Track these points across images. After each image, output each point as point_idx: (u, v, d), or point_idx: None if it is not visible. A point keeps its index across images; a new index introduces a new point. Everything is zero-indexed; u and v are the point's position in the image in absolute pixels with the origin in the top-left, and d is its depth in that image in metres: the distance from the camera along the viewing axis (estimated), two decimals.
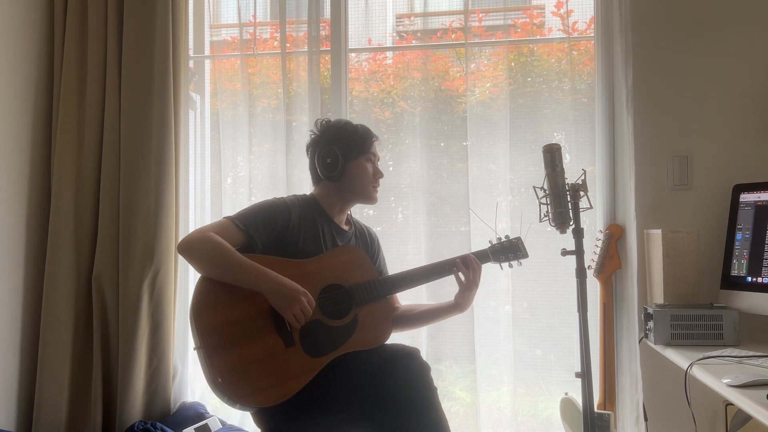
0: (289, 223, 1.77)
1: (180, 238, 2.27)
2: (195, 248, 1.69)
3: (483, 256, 1.91)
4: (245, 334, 1.64)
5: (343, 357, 1.71)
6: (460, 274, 1.85)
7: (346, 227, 1.92)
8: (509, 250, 1.92)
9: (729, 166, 2.08)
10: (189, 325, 1.70)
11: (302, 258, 1.75)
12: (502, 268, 1.95)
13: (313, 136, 1.92)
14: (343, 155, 1.83)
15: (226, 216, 1.77)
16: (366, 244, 1.97)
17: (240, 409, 1.68)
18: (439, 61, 2.41)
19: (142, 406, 2.20)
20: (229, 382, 1.59)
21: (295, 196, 1.89)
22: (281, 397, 1.62)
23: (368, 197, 1.90)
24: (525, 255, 1.93)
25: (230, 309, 1.65)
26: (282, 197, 1.86)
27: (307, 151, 1.93)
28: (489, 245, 1.94)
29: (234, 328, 1.64)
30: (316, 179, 1.91)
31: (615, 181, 2.14)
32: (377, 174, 1.90)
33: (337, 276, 1.77)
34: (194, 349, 1.66)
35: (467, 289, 1.85)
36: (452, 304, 1.88)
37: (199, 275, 1.70)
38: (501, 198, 2.24)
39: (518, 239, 1.94)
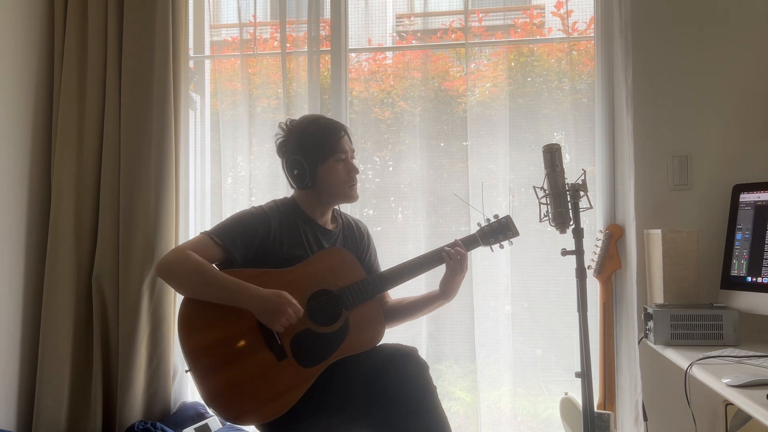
0: (269, 233, 1.73)
1: (180, 239, 2.27)
2: (174, 270, 1.66)
3: (472, 242, 1.86)
4: (236, 351, 1.62)
5: (342, 360, 1.69)
6: (451, 260, 1.81)
7: (331, 226, 1.89)
8: (498, 231, 1.86)
9: (729, 166, 2.08)
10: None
11: (289, 265, 1.72)
12: (492, 251, 1.89)
13: (280, 140, 1.85)
14: (310, 163, 1.76)
15: (203, 231, 1.74)
16: (355, 239, 1.93)
17: (238, 425, 1.66)
18: (439, 61, 2.41)
19: (142, 406, 2.20)
20: (225, 404, 1.57)
21: (275, 202, 1.85)
22: (278, 411, 1.61)
23: (346, 197, 1.84)
24: (516, 233, 1.87)
25: (217, 328, 1.63)
26: (261, 206, 1.81)
27: (278, 155, 1.87)
28: (477, 228, 1.89)
29: (224, 348, 1.61)
30: (291, 185, 1.86)
31: (615, 181, 2.14)
32: (351, 171, 1.82)
33: (323, 281, 1.74)
34: (186, 371, 1.64)
35: (453, 274, 1.80)
36: (438, 292, 1.84)
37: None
38: (501, 198, 2.24)
39: (507, 217, 1.87)
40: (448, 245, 1.83)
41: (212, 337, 1.62)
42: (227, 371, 1.60)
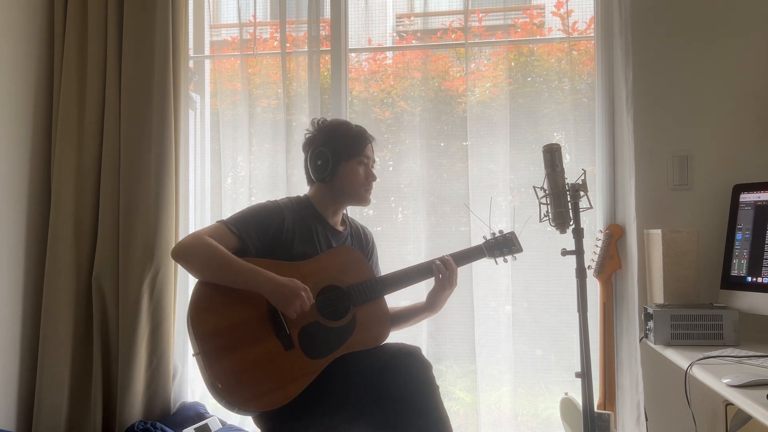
0: (282, 227, 1.76)
1: (180, 238, 2.27)
2: (190, 253, 1.68)
3: (477, 252, 1.90)
4: (244, 338, 1.63)
5: (345, 357, 1.71)
6: (440, 274, 1.83)
7: (341, 228, 1.92)
8: (503, 245, 1.91)
9: (729, 166, 2.08)
10: (187, 329, 1.69)
11: (297, 260, 1.74)
12: (497, 263, 1.93)
13: (308, 136, 1.91)
14: (334, 157, 1.82)
15: (219, 220, 1.77)
16: (361, 243, 1.97)
17: (240, 413, 1.67)
18: (439, 61, 2.41)
19: (142, 406, 2.20)
20: (229, 388, 1.58)
21: (288, 198, 1.89)
22: (282, 401, 1.61)
23: (360, 199, 1.89)
24: (519, 249, 1.92)
25: (228, 313, 1.65)
26: (275, 200, 1.85)
27: (303, 150, 1.93)
28: (483, 241, 1.93)
29: (232, 333, 1.63)
30: (310, 180, 1.91)
31: (615, 181, 2.14)
32: (370, 177, 1.88)
33: (333, 277, 1.77)
34: (193, 355, 1.65)
35: (441, 289, 1.84)
36: (424, 304, 1.89)
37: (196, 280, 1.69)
38: (501, 198, 2.24)
39: (512, 233, 1.93)
40: (439, 258, 1.85)
41: (222, 322, 1.63)
42: (234, 356, 1.61)
